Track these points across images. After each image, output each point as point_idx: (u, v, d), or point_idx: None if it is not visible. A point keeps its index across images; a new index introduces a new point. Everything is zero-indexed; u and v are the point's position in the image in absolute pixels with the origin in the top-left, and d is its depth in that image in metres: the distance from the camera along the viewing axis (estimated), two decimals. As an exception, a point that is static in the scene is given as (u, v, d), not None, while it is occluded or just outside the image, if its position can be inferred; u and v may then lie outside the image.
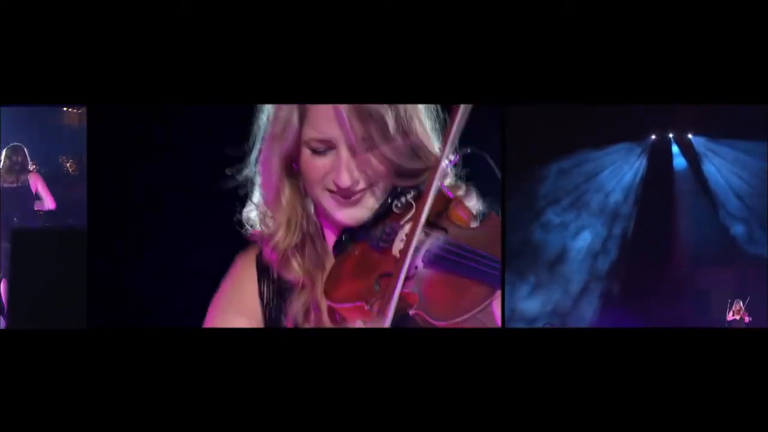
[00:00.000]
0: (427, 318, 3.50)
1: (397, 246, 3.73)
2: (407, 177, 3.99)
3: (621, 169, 9.72)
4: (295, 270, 4.15)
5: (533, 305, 9.26)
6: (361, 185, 4.01)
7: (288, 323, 4.13)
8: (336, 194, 4.00)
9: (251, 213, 4.33)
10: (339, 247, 4.02)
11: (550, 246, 9.59)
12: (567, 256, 9.61)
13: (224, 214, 4.43)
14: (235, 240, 4.40)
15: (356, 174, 3.93)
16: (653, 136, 9.79)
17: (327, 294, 3.89)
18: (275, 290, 4.23)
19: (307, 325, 4.13)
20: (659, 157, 9.72)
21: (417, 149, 4.02)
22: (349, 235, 4.04)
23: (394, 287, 3.52)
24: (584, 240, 9.69)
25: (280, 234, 4.13)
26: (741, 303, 9.20)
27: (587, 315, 9.52)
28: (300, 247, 4.17)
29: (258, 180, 4.20)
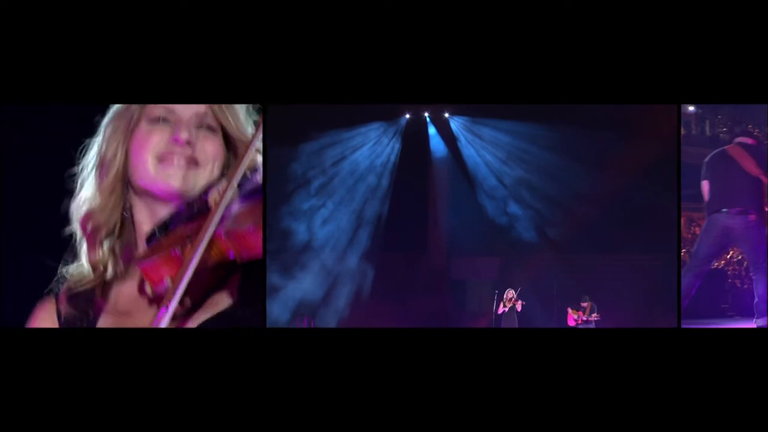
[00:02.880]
0: (238, 230, 3.81)
1: (213, 197, 4.01)
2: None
3: (373, 151, 9.09)
4: (102, 253, 4.29)
5: (289, 295, 8.46)
6: (194, 152, 4.20)
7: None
8: (167, 157, 4.17)
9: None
10: (152, 239, 4.14)
11: (298, 234, 8.88)
12: (316, 245, 8.85)
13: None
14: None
15: (192, 137, 4.18)
16: (407, 116, 9.20)
17: (139, 260, 4.06)
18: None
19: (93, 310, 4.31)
20: (415, 138, 9.12)
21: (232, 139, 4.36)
22: (159, 227, 4.14)
23: (207, 228, 3.78)
24: (334, 227, 8.92)
25: (98, 205, 4.28)
26: (513, 292, 8.68)
27: (339, 308, 8.77)
28: (115, 232, 4.31)
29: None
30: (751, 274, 6.26)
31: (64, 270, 4.36)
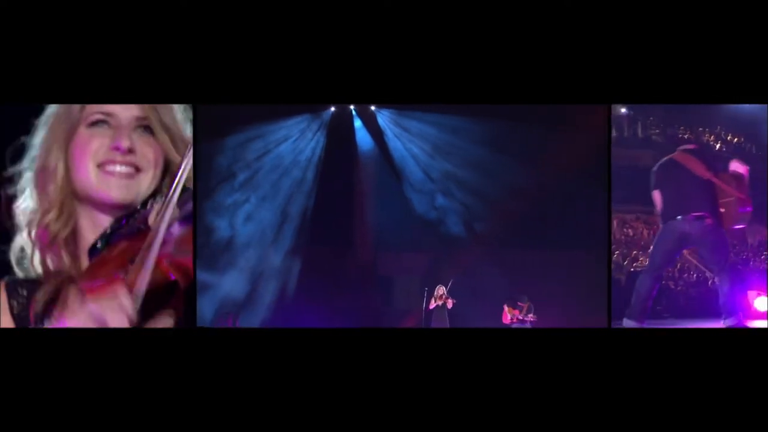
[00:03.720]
0: (181, 258, 3.91)
1: (152, 218, 4.01)
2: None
3: (297, 145, 8.83)
4: (62, 260, 4.27)
5: (213, 293, 8.20)
6: (135, 159, 4.18)
7: (31, 317, 4.25)
8: (109, 165, 4.14)
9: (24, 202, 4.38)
10: (94, 251, 4.17)
11: (221, 230, 8.57)
12: (239, 241, 8.57)
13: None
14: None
15: (133, 143, 4.14)
16: (333, 108, 8.95)
17: (82, 281, 4.00)
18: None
19: (51, 318, 4.20)
20: (340, 131, 8.88)
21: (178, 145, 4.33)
22: (102, 239, 4.16)
23: (148, 252, 3.82)
24: (258, 223, 8.65)
25: (52, 215, 4.26)
26: (443, 288, 8.54)
27: (264, 306, 8.53)
28: (69, 240, 4.30)
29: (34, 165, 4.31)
30: (715, 276, 6.30)
31: (13, 265, 4.34)
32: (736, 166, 6.23)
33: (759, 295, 7.44)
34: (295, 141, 8.72)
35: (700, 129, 11.68)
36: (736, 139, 12.14)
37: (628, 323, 6.14)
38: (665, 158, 6.42)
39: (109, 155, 4.10)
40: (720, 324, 6.11)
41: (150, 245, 3.81)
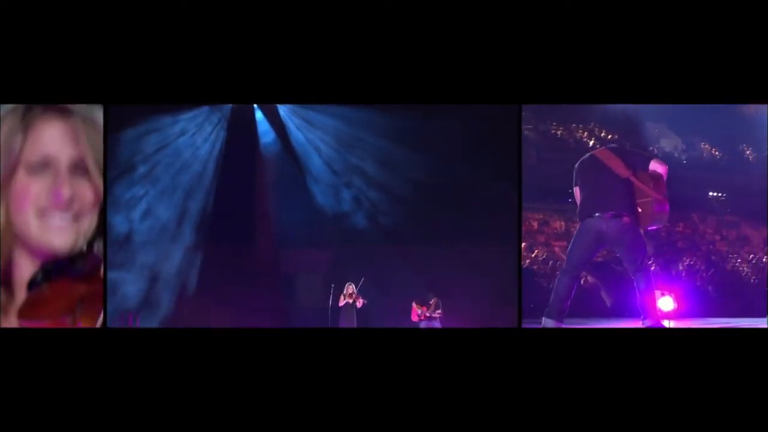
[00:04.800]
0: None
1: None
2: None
3: (197, 139, 8.45)
4: None
5: (112, 292, 7.64)
6: (76, 206, 4.25)
7: None
8: (49, 213, 4.19)
9: None
10: (33, 284, 4.21)
11: (118, 226, 8.10)
12: (137, 237, 8.20)
13: None
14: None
15: (73, 191, 4.22)
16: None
17: (22, 317, 4.16)
18: None
19: None
20: (241, 124, 8.57)
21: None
22: (43, 273, 4.20)
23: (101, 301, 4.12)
24: (157, 218, 8.31)
25: None
26: (353, 287, 8.45)
27: (163, 306, 8.23)
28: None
29: None
30: (631, 275, 6.28)
31: None
32: (656, 166, 6.28)
33: (663, 295, 7.59)
34: (193, 135, 8.39)
35: (574, 125, 11.87)
36: (610, 136, 12.39)
37: (547, 322, 6.14)
38: (587, 155, 6.50)
39: (48, 202, 4.19)
40: (639, 324, 6.19)
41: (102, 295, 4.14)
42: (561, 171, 11.39)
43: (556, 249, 10.87)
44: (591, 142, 12.49)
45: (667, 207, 6.27)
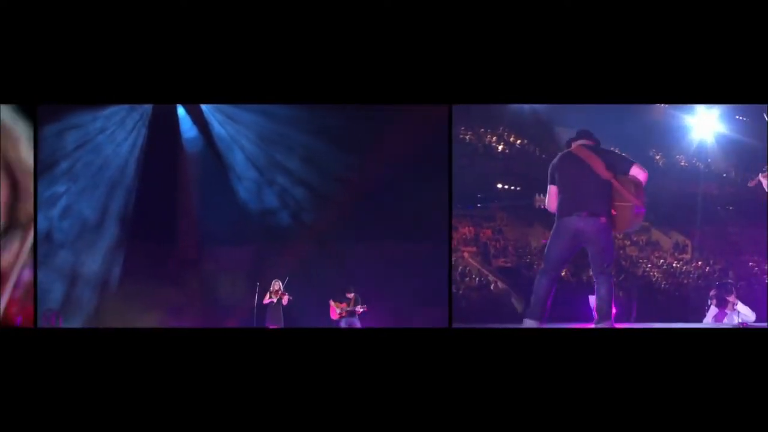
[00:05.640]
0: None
1: (6, 259, 4.10)
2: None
3: (117, 136, 8.27)
4: None
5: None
6: None
7: None
8: None
9: None
10: None
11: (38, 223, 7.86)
12: (58, 236, 8.01)
13: None
14: None
15: None
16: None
17: None
18: None
19: None
20: (163, 120, 8.43)
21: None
22: None
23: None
24: (77, 217, 8.14)
25: None
26: (280, 283, 8.35)
27: (86, 305, 8.08)
28: None
29: None
30: (594, 276, 6.20)
31: None
32: (637, 171, 6.20)
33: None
34: (114, 132, 8.23)
35: (482, 130, 11.94)
36: (519, 141, 12.50)
37: (528, 323, 6.06)
38: (563, 152, 6.35)
39: None
40: (592, 325, 6.14)
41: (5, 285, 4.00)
42: (471, 176, 11.56)
43: (465, 254, 10.93)
44: (500, 147, 12.64)
45: (643, 213, 6.22)
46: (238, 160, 8.60)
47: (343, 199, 8.44)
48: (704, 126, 8.48)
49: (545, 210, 6.18)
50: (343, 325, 8.20)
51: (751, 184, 6.76)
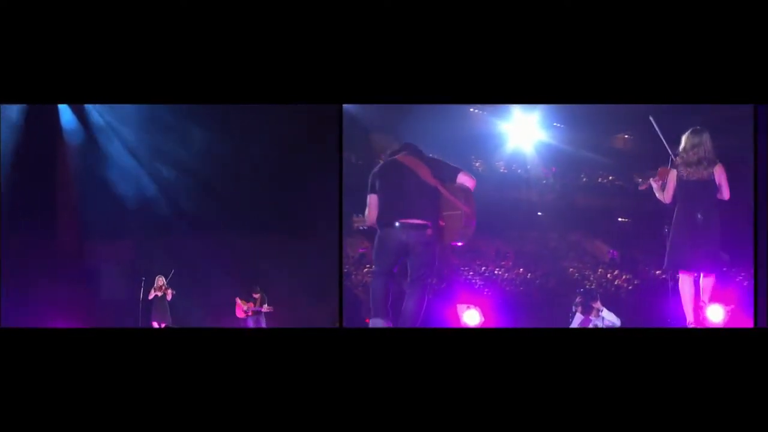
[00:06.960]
0: None
1: None
2: None
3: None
4: None
5: None
6: None
7: None
8: None
9: None
10: None
11: None
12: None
13: None
14: None
15: None
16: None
17: None
18: None
19: None
20: (40, 110, 7.98)
21: None
22: None
23: None
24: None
25: None
26: (163, 278, 8.30)
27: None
28: None
29: None
30: (408, 282, 6.21)
31: None
32: (464, 179, 6.21)
33: (469, 308, 7.51)
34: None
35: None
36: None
37: (376, 322, 6.13)
38: (388, 159, 6.30)
39: None
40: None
41: None
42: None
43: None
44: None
45: (474, 222, 6.21)
46: (118, 151, 8.30)
47: (233, 192, 8.29)
48: (522, 132, 8.58)
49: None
50: (250, 324, 8.21)
51: (642, 187, 6.99)
